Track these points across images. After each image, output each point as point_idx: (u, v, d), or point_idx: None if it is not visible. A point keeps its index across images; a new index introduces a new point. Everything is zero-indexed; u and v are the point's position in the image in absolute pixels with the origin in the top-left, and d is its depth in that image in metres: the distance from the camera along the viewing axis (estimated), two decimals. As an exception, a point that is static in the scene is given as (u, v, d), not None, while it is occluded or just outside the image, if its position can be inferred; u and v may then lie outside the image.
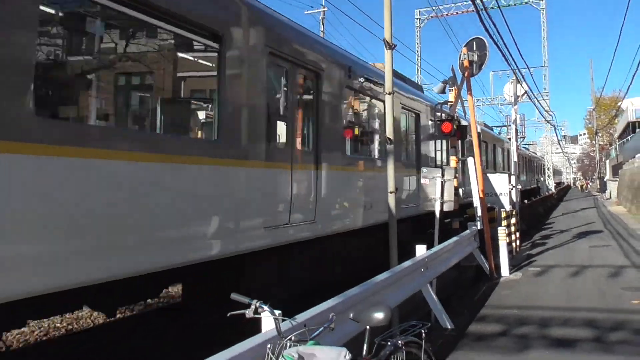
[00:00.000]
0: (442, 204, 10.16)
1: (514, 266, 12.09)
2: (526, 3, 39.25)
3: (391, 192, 7.96)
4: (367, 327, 3.77)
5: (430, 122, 14.61)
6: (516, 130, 19.97)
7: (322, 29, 29.75)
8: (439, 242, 9.68)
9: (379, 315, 3.68)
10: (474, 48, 12.31)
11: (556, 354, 6.19)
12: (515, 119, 20.31)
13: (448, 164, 13.76)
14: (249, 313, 3.47)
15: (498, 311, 8.26)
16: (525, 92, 22.66)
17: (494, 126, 34.45)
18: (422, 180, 10.33)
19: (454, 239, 10.10)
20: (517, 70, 20.58)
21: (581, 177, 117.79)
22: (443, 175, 10.14)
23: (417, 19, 42.52)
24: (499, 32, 32.15)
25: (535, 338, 6.78)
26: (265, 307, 3.45)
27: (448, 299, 8.90)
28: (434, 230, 10.26)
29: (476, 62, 12.21)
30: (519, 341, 6.70)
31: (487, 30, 13.83)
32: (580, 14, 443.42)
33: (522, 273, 11.50)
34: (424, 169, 10.76)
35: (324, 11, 30.63)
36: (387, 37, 8.05)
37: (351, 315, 4.00)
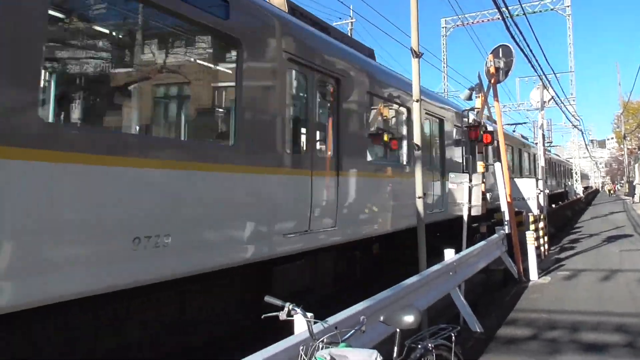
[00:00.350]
0: (469, 208, 10.12)
1: (543, 270, 11.95)
2: (552, 10, 38.92)
3: (419, 197, 7.99)
4: (398, 329, 3.81)
5: (367, 94, 9.40)
6: (543, 135, 19.76)
7: (350, 40, 29.88)
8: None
9: (409, 319, 3.72)
10: (500, 55, 12.32)
11: (587, 359, 6.13)
12: (542, 124, 20.11)
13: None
14: (282, 315, 3.54)
15: (527, 315, 8.20)
16: (552, 97, 22.46)
17: (508, 124, 31.91)
18: (450, 185, 10.24)
19: (482, 243, 10.03)
20: (543, 76, 20.49)
21: (609, 181, 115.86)
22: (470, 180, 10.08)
23: (443, 27, 42.60)
24: (524, 39, 32.07)
25: (565, 342, 6.72)
26: (298, 310, 3.51)
27: (476, 303, 8.85)
28: (462, 235, 10.21)
29: (502, 69, 12.20)
30: (549, 345, 6.65)
31: (513, 37, 13.86)
32: (607, 17, 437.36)
33: (551, 277, 11.36)
34: (451, 174, 10.46)
35: (352, 22, 30.80)
36: (414, 45, 8.09)
37: (382, 318, 4.05)
